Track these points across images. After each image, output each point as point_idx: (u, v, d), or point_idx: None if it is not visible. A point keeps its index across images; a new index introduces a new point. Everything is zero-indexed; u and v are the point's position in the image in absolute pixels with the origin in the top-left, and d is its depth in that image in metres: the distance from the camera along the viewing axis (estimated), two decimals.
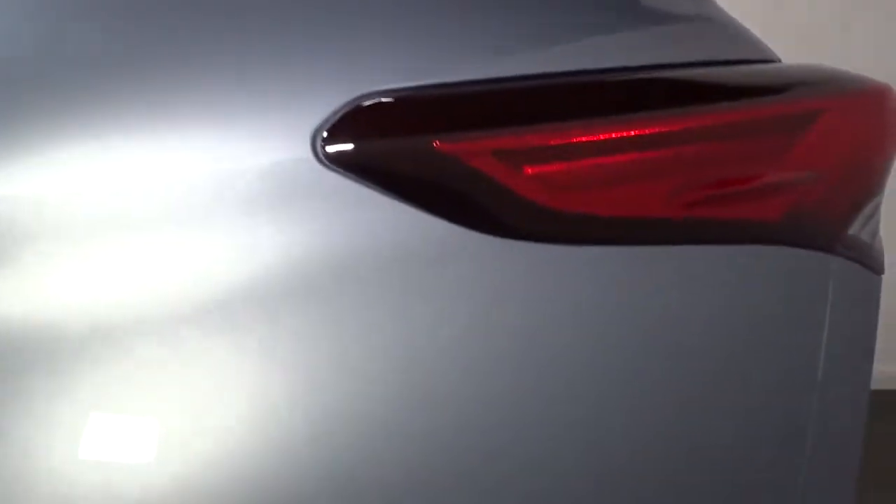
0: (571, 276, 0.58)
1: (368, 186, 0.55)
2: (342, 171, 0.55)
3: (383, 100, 0.56)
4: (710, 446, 0.60)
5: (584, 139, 0.58)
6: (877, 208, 0.71)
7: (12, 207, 0.51)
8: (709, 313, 0.61)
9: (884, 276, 0.71)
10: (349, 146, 0.55)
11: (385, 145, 0.56)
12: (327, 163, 0.55)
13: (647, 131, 0.59)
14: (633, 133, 0.59)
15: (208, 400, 0.52)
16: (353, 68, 0.57)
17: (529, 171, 0.57)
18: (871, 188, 0.69)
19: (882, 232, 0.73)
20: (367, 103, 0.56)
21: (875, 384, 0.76)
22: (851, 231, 0.67)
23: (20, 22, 0.57)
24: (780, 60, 0.74)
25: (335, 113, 0.55)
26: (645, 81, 0.63)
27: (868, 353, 0.68)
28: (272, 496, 0.52)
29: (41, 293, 0.51)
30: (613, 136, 0.59)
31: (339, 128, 0.55)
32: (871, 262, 0.69)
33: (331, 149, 0.55)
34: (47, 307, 0.51)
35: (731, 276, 0.62)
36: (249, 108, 0.55)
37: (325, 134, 0.55)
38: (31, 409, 0.50)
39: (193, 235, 0.53)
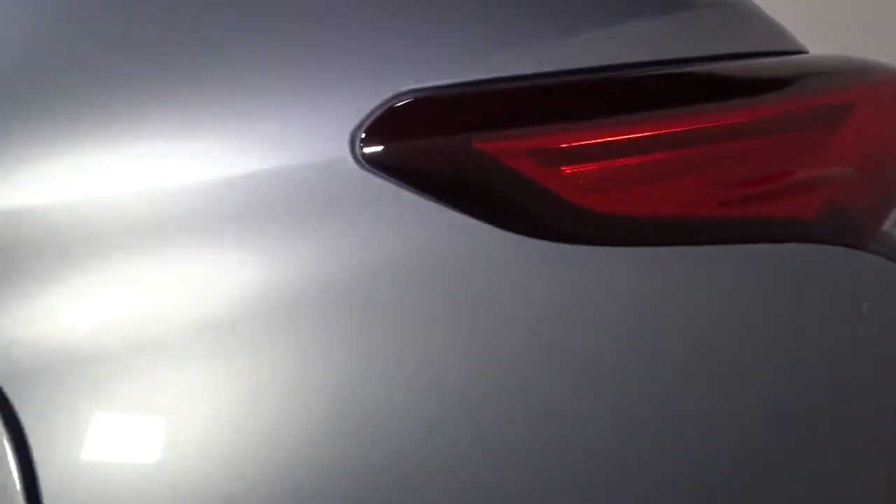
0: (607, 277, 0.57)
1: (405, 188, 0.53)
2: (380, 172, 0.53)
3: (419, 98, 0.55)
4: (750, 449, 0.59)
5: (620, 137, 0.57)
6: None
7: (27, 218, 0.49)
8: (742, 314, 0.60)
9: None
10: (386, 146, 0.54)
11: (422, 145, 0.55)
12: (365, 164, 0.53)
13: (682, 128, 0.58)
14: (669, 130, 0.58)
15: (248, 409, 0.50)
16: (389, 66, 0.56)
17: (567, 170, 0.56)
18: None
19: None
20: (403, 102, 0.55)
21: None
22: (885, 227, 0.66)
23: (30, 28, 0.55)
24: (807, 51, 0.73)
25: (372, 113, 0.54)
26: (678, 77, 0.61)
27: None
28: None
29: (68, 306, 0.49)
30: (649, 133, 0.57)
31: (376, 128, 0.54)
32: None
33: (368, 149, 0.54)
34: (76, 320, 0.49)
35: (763, 276, 0.61)
36: (285, 109, 0.54)
37: (363, 134, 0.54)
38: (59, 421, 0.48)
39: (226, 240, 0.51)
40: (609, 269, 0.57)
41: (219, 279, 0.51)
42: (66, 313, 0.49)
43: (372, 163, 0.54)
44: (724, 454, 0.59)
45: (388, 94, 0.55)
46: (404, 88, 0.55)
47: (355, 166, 0.53)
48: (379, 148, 0.54)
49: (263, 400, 0.50)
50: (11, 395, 0.47)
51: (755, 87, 0.63)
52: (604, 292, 0.56)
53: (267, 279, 0.51)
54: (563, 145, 0.56)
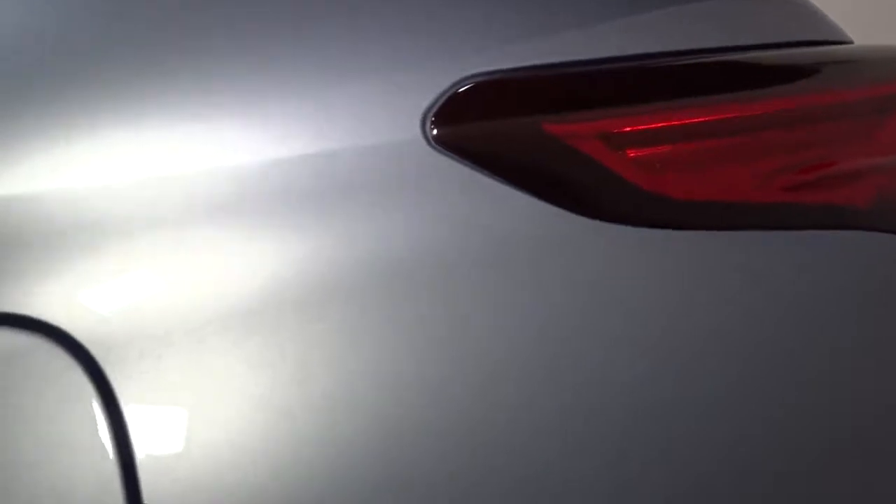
0: (669, 260, 0.57)
1: (475, 169, 0.54)
2: (450, 153, 0.54)
3: (490, 81, 0.55)
4: (813, 440, 0.59)
5: (685, 122, 0.57)
6: None
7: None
8: (795, 300, 0.60)
9: None
10: (457, 128, 0.54)
11: (492, 127, 0.55)
12: (436, 145, 0.54)
13: (744, 113, 0.59)
14: (732, 115, 0.58)
15: (311, 393, 0.50)
16: (459, 49, 0.56)
17: (634, 154, 0.56)
18: None
19: None
20: (474, 84, 0.55)
21: None
22: None
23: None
24: (852, 41, 0.73)
25: (443, 94, 0.55)
26: (738, 64, 0.62)
27: None
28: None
29: (153, 279, 0.50)
30: (713, 118, 0.58)
31: (447, 109, 0.54)
32: None
33: (440, 131, 0.54)
34: (161, 292, 0.49)
35: (818, 262, 0.61)
36: (357, 90, 0.54)
37: (434, 116, 0.54)
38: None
39: (299, 217, 0.52)
40: (672, 253, 0.57)
41: (293, 255, 0.51)
42: (152, 285, 0.50)
43: (443, 144, 0.54)
44: (792, 448, 0.59)
45: (459, 75, 0.55)
46: (475, 71, 0.55)
47: (426, 147, 0.54)
48: (450, 129, 0.54)
49: (328, 373, 0.50)
50: (102, 362, 0.47)
51: (812, 75, 0.63)
52: (667, 275, 0.57)
53: (338, 256, 0.51)
54: (631, 129, 0.57)
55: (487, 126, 0.55)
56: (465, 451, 0.51)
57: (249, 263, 0.50)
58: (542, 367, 0.53)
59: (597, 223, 0.55)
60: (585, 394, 0.54)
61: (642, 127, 0.57)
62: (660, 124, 0.57)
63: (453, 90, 0.55)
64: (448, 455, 0.51)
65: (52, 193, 0.50)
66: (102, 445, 0.47)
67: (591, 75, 0.58)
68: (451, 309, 0.52)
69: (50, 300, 0.48)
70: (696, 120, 0.58)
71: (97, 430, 0.47)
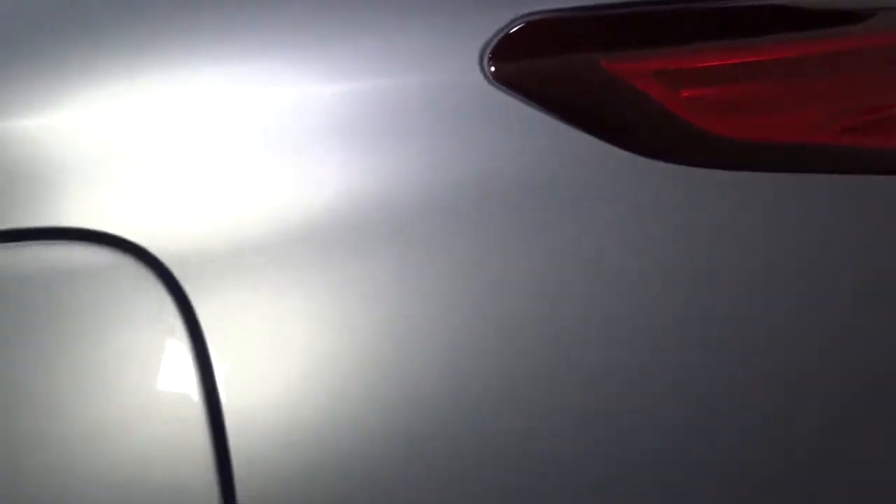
0: (724, 201, 0.58)
1: (532, 105, 0.55)
2: (508, 89, 0.55)
3: (548, 18, 0.57)
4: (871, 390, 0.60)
5: (744, 60, 0.58)
6: None
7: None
8: (854, 246, 0.61)
9: None
10: (515, 64, 0.56)
11: (550, 63, 0.56)
12: (493, 80, 0.55)
13: (802, 54, 0.59)
14: (788, 56, 0.59)
15: (378, 317, 0.53)
16: None
17: (688, 93, 0.57)
18: None
19: None
20: (533, 21, 0.56)
21: None
22: None
23: None
24: None
25: (502, 30, 0.56)
26: (792, 8, 0.62)
27: None
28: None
29: (223, 201, 0.52)
30: (770, 58, 0.59)
31: (506, 46, 0.56)
32: None
33: (497, 66, 0.55)
34: (233, 213, 0.52)
35: (875, 209, 0.61)
36: (418, 26, 0.56)
37: (492, 52, 0.55)
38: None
39: (357, 147, 0.54)
40: (725, 193, 0.58)
41: (354, 182, 0.53)
42: (227, 209, 0.52)
43: (500, 80, 0.56)
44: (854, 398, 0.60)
45: (518, 12, 0.57)
46: (534, 8, 0.57)
47: (484, 82, 0.55)
48: (507, 66, 0.56)
49: (390, 298, 0.53)
50: (182, 281, 0.50)
51: (868, 19, 0.64)
52: (719, 215, 0.58)
53: (398, 184, 0.54)
54: (688, 67, 0.57)
55: (544, 63, 0.57)
56: (519, 368, 0.54)
57: (313, 189, 0.53)
58: (590, 298, 0.55)
59: (650, 161, 0.57)
60: (632, 323, 0.55)
61: (699, 65, 0.58)
62: (717, 63, 0.58)
63: (511, 28, 0.56)
64: (506, 369, 0.54)
65: (129, 116, 0.52)
66: (185, 360, 0.50)
67: (649, 15, 0.58)
68: (504, 240, 0.54)
69: (130, 218, 0.50)
70: (754, 59, 0.59)
71: (179, 345, 0.50)
